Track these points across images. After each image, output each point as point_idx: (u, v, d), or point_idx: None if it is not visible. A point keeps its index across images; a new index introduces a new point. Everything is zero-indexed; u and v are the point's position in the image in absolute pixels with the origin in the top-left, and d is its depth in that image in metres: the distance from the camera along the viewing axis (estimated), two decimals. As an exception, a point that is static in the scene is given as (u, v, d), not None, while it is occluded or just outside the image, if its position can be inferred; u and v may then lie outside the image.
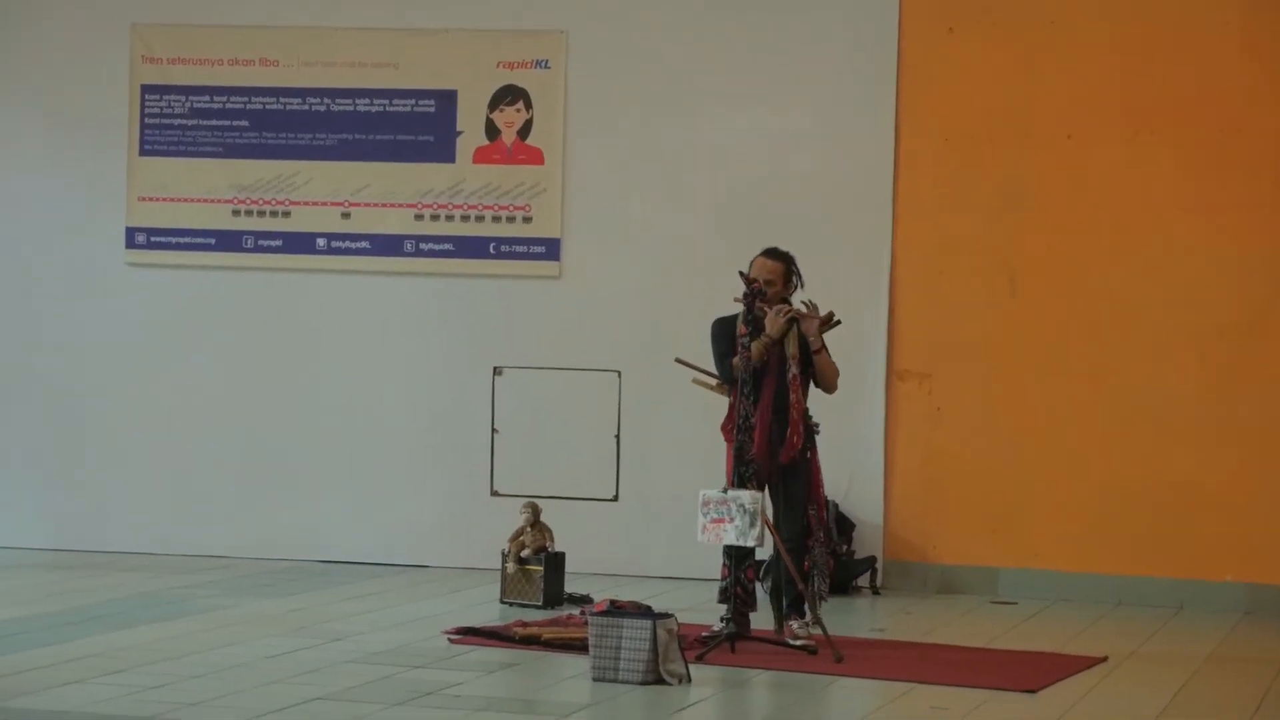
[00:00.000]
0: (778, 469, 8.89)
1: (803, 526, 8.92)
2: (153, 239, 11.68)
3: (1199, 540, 10.69)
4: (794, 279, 9.02)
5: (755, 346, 8.76)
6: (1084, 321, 10.86)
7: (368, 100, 11.47)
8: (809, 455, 8.95)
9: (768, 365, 8.86)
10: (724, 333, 8.96)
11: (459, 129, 11.43)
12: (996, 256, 10.93)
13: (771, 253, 9.03)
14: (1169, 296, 10.75)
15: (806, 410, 8.92)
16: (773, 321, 8.84)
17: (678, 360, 9.24)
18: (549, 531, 10.14)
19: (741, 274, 8.88)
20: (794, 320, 8.89)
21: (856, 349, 10.81)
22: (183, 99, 11.64)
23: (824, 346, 8.96)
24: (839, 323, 9.06)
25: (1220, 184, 10.71)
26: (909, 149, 11.00)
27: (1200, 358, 10.72)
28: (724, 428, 8.92)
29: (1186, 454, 10.71)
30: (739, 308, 8.85)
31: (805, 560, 8.88)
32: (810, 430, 8.96)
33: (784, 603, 8.94)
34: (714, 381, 9.08)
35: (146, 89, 11.67)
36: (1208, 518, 10.68)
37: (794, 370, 8.88)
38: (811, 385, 9.01)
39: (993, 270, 10.94)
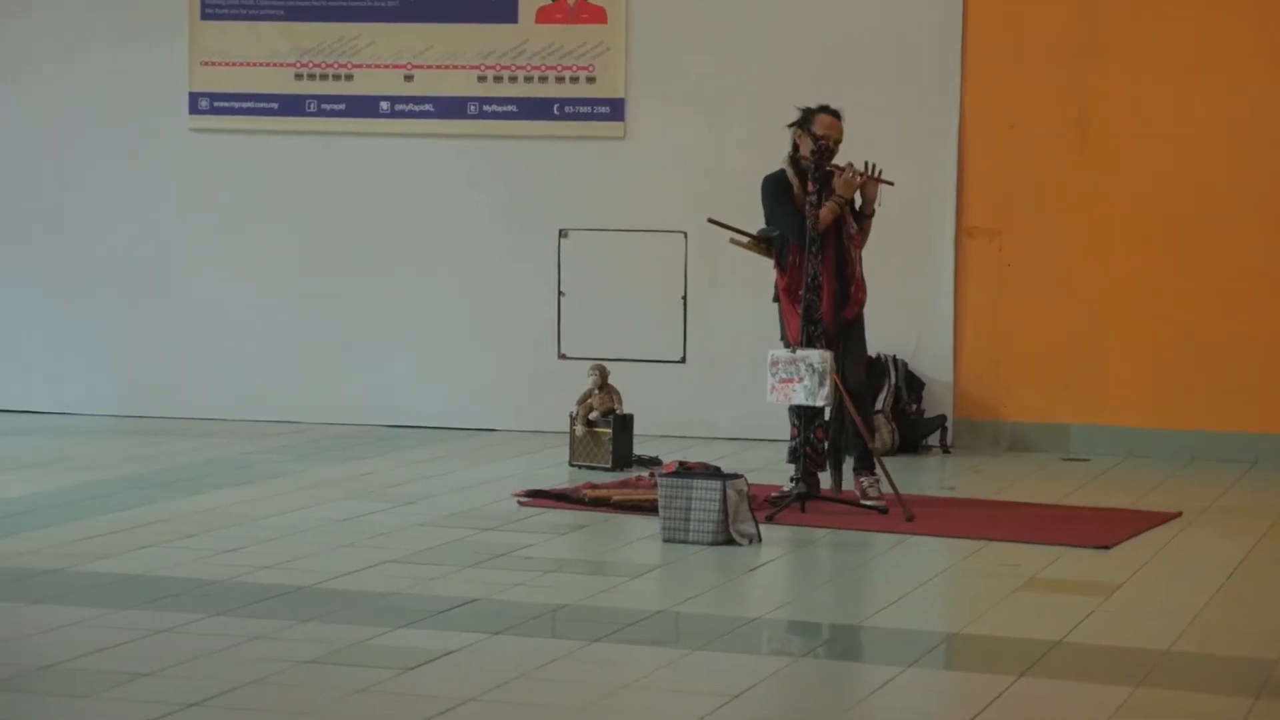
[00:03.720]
0: (840, 327, 8.83)
1: (862, 380, 8.91)
2: (215, 104, 11.64)
3: (1273, 394, 10.58)
4: None
5: (827, 209, 8.70)
6: (1157, 172, 10.69)
7: (428, -40, 11.36)
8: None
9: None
10: (782, 186, 8.86)
11: (521, -12, 11.30)
12: (1067, 107, 10.76)
13: (835, 111, 8.91)
14: (1245, 145, 10.57)
15: None
16: (848, 184, 8.77)
17: (710, 220, 9.14)
18: (617, 394, 10.12)
19: (811, 131, 8.76)
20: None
21: (925, 206, 10.71)
22: (243, -39, 11.56)
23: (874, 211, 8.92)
24: (891, 183, 8.97)
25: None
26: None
27: (1275, 208, 10.55)
28: (784, 289, 8.84)
29: (1261, 307, 10.58)
30: (783, 165, 8.80)
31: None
32: None
33: (841, 460, 8.93)
34: (746, 240, 9.00)
35: (206, -48, 11.60)
36: (1282, 372, 10.57)
37: (854, 228, 8.84)
38: None
39: (1063, 122, 10.77)
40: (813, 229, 8.62)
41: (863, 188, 8.87)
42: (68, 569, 7.33)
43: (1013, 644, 6.42)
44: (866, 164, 8.86)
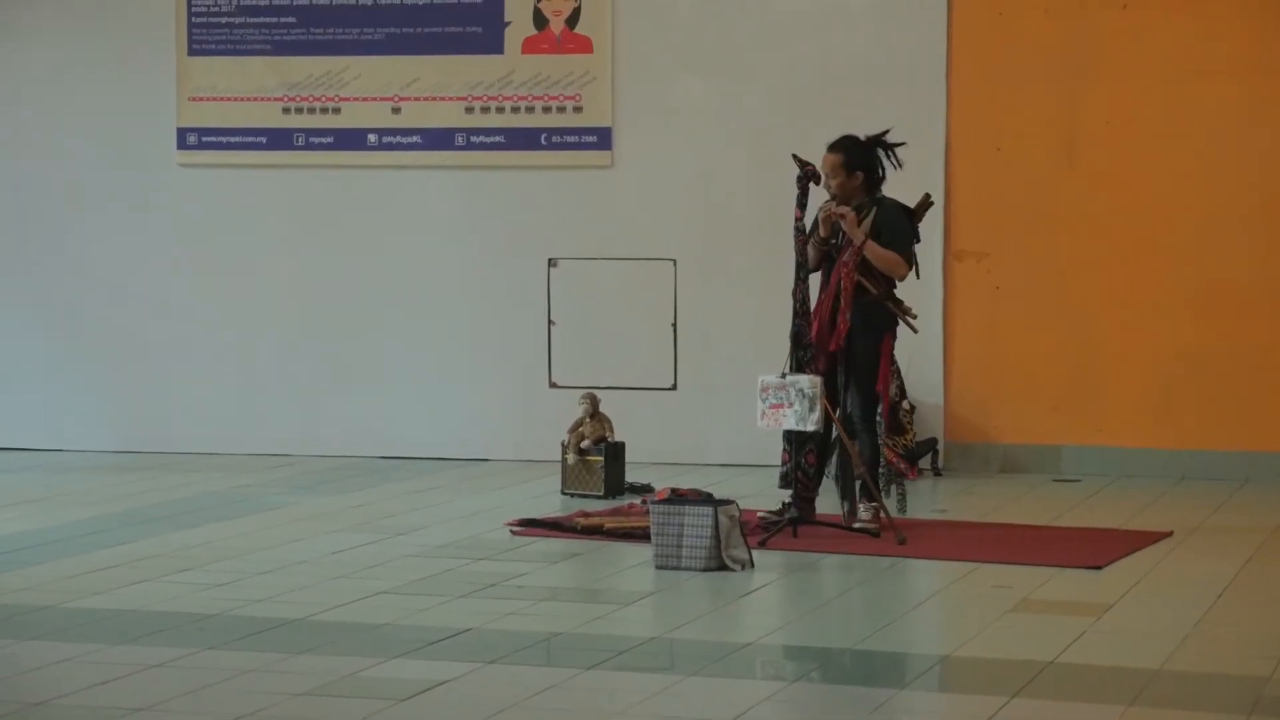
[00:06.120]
0: (838, 355, 8.81)
1: (868, 409, 8.87)
2: (204, 139, 11.67)
3: (1263, 412, 10.61)
4: (863, 168, 8.85)
5: (810, 249, 8.77)
6: (1144, 192, 10.73)
7: (414, -7, 11.40)
8: (877, 338, 8.86)
9: (837, 250, 8.82)
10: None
11: (507, 19, 11.33)
12: (1053, 130, 10.80)
13: (831, 145, 8.93)
14: (1230, 163, 10.61)
15: (894, 295, 8.85)
16: (824, 221, 8.81)
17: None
18: (608, 422, 10.14)
19: (795, 156, 8.80)
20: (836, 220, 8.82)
21: (913, 230, 10.72)
22: (229, -3, 11.61)
23: (866, 240, 8.80)
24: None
25: (1280, 47, 10.55)
26: (962, 23, 10.86)
27: (1263, 226, 10.60)
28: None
29: (1249, 326, 10.61)
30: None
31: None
32: (878, 315, 8.84)
33: (849, 486, 8.93)
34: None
35: (193, -12, 11.63)
36: (1271, 389, 10.60)
37: (845, 256, 8.81)
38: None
39: (1050, 144, 10.81)
40: (811, 251, 8.76)
41: (843, 225, 8.82)
42: (62, 605, 7.33)
43: (1005, 665, 6.43)
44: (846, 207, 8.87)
